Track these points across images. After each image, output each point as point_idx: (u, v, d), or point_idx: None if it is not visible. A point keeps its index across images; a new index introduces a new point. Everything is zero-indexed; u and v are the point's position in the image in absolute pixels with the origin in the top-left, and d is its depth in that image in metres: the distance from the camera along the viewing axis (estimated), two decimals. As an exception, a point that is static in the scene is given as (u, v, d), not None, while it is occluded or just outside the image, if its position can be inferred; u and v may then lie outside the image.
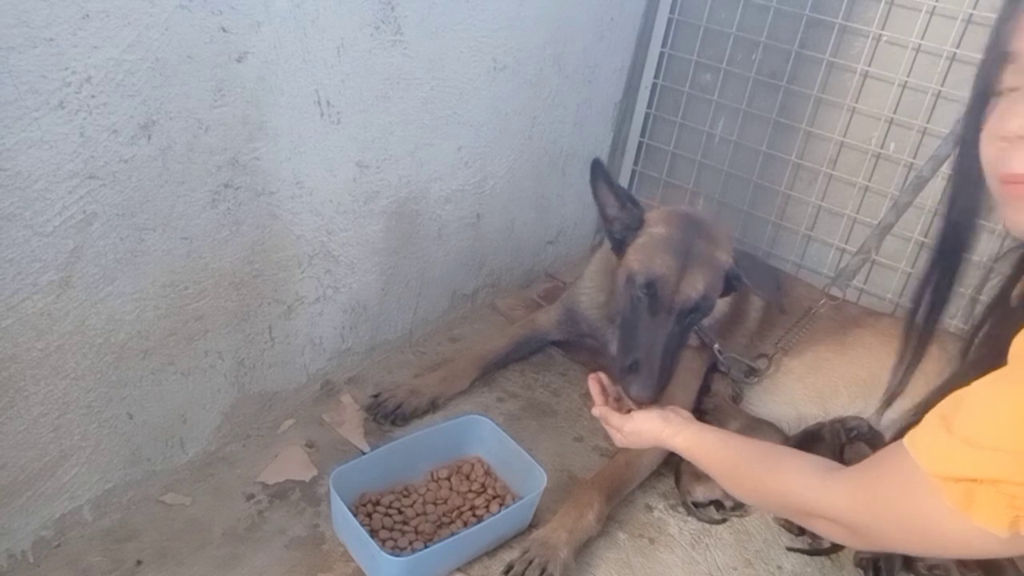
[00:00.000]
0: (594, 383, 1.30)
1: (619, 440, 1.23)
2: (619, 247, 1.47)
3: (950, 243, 0.88)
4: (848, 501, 0.83)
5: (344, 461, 1.26)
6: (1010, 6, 0.71)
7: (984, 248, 1.71)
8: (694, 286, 1.36)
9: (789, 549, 1.37)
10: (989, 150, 0.74)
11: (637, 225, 1.45)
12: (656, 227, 1.43)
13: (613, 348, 1.65)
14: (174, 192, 1.13)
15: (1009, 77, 0.72)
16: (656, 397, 1.28)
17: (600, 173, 1.45)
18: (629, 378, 1.30)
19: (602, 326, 1.66)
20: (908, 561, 1.30)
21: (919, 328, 0.98)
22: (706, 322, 1.57)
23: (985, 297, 0.98)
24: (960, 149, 0.81)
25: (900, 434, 0.81)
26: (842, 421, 1.52)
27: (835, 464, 0.91)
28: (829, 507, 0.86)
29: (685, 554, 1.35)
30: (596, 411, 1.27)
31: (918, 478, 0.72)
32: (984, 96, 0.75)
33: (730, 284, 1.43)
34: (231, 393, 1.39)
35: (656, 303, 1.36)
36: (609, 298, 1.63)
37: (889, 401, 1.12)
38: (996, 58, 0.72)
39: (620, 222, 1.46)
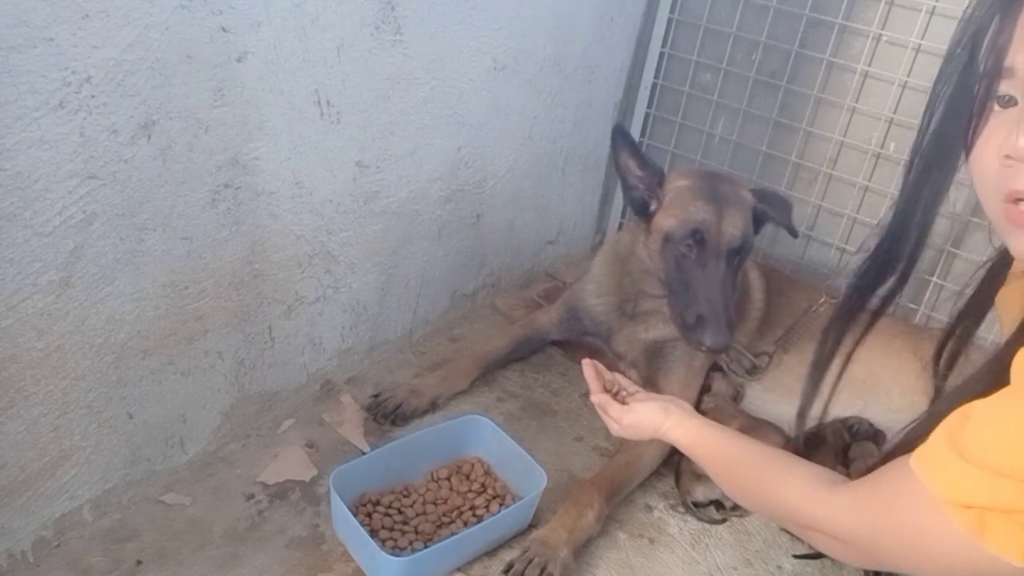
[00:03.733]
0: (589, 368, 1.25)
1: (616, 431, 1.19)
2: (643, 210, 1.50)
3: (895, 251, 0.88)
4: (851, 518, 0.81)
5: (344, 461, 1.26)
6: (1001, 21, 0.70)
7: (979, 246, 1.71)
8: (735, 224, 1.41)
9: (796, 556, 1.35)
10: (988, 167, 0.72)
11: (659, 182, 1.49)
12: (679, 181, 1.48)
13: (618, 341, 1.66)
14: (174, 192, 1.13)
15: (1005, 91, 0.71)
16: (731, 342, 1.30)
17: (622, 139, 1.49)
18: (698, 331, 1.33)
19: (609, 319, 1.66)
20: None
21: (843, 322, 0.97)
22: None
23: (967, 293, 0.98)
24: (926, 160, 0.80)
25: (904, 445, 0.80)
26: (843, 421, 1.52)
27: (838, 476, 0.89)
28: (830, 523, 0.84)
29: (685, 554, 1.35)
30: (595, 399, 1.22)
31: (926, 501, 0.70)
32: (972, 110, 0.73)
33: (758, 221, 1.49)
34: (231, 393, 1.39)
35: (704, 250, 1.40)
36: (618, 289, 1.63)
37: (802, 416, 1.10)
38: (991, 73, 0.71)
39: (644, 182, 1.50)
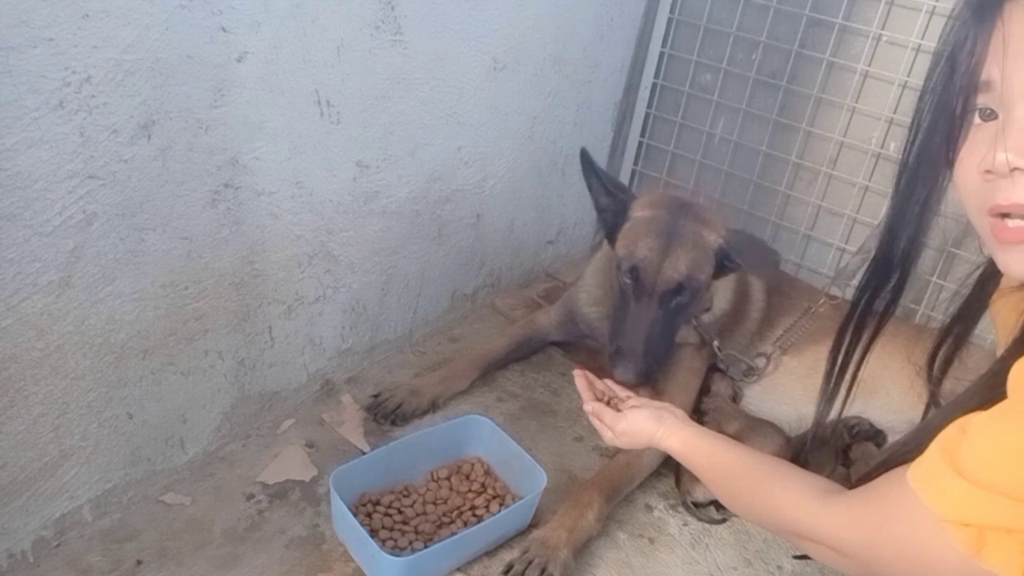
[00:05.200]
0: (580, 378, 1.26)
1: (609, 439, 1.19)
2: (611, 236, 1.49)
3: (892, 273, 0.88)
4: (846, 530, 0.80)
5: (344, 461, 1.26)
6: (975, 35, 0.70)
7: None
8: (675, 267, 1.37)
9: (796, 557, 1.35)
10: (970, 181, 0.72)
11: (623, 210, 1.46)
12: (641, 211, 1.45)
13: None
14: (174, 192, 1.13)
15: (983, 104, 0.71)
16: (642, 380, 1.27)
17: (587, 162, 1.47)
18: (614, 362, 1.30)
19: (601, 326, 1.67)
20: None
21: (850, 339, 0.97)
22: (706, 319, 1.57)
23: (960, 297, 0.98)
24: (912, 173, 0.80)
25: (899, 455, 0.80)
26: (844, 421, 1.52)
27: (834, 486, 0.89)
28: (827, 533, 0.83)
29: (685, 554, 1.35)
30: (587, 407, 1.23)
31: (924, 516, 0.70)
32: (952, 125, 0.73)
33: (723, 264, 1.43)
34: (231, 393, 1.39)
35: (639, 287, 1.38)
36: (607, 298, 1.63)
37: (818, 424, 1.09)
38: (967, 88, 0.71)
39: (609, 210, 1.49)
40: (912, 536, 0.72)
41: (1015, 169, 0.67)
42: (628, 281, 1.39)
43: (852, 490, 0.84)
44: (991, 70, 0.69)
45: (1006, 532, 0.65)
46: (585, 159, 1.47)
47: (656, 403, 1.19)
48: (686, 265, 1.37)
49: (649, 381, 1.29)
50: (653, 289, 1.37)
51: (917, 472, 0.72)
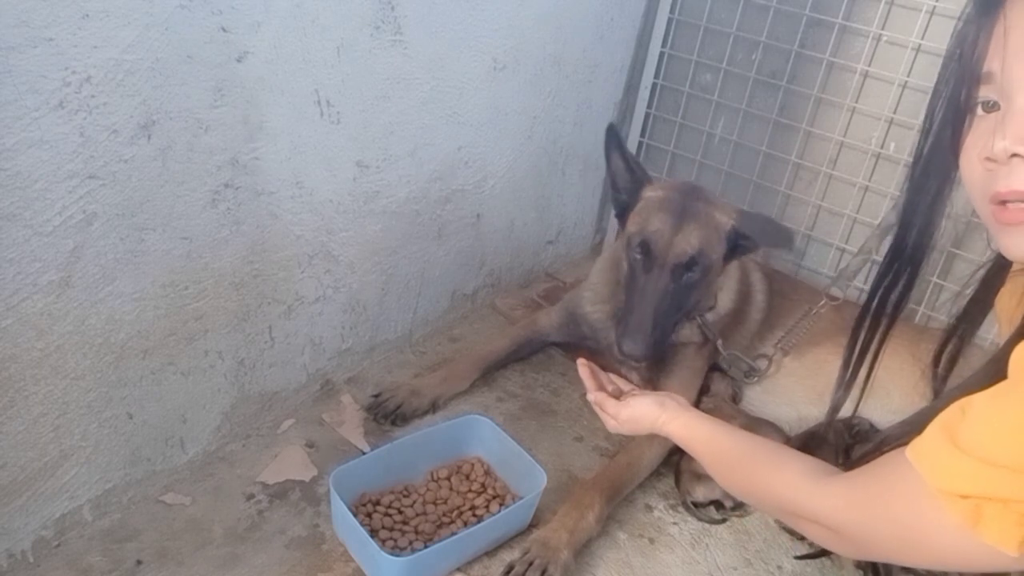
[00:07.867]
0: (584, 368, 1.28)
1: (613, 427, 1.21)
2: (622, 215, 1.50)
3: (905, 255, 0.90)
4: (843, 507, 0.81)
5: (344, 461, 1.26)
6: (978, 29, 0.72)
7: (980, 246, 1.71)
8: (688, 240, 1.38)
9: (797, 558, 1.35)
10: (974, 171, 0.74)
11: (638, 188, 1.48)
12: (654, 192, 1.48)
13: (614, 349, 1.65)
14: (174, 192, 1.13)
15: (986, 96, 0.73)
16: (649, 354, 1.27)
17: (614, 139, 1.48)
18: (620, 334, 1.31)
19: (604, 327, 1.66)
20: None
21: (868, 332, 0.98)
22: (710, 318, 1.57)
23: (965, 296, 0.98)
24: (925, 166, 0.83)
25: (897, 438, 0.80)
26: (845, 421, 1.52)
27: (832, 468, 0.89)
28: (822, 511, 0.84)
29: (685, 554, 1.35)
30: (591, 396, 1.24)
31: (921, 491, 0.70)
32: (958, 116, 0.75)
33: (737, 245, 1.45)
34: (231, 393, 1.39)
35: (650, 260, 1.39)
36: (613, 297, 1.63)
37: (835, 411, 1.10)
38: (969, 79, 0.73)
39: (626, 190, 1.50)
40: (909, 512, 0.73)
41: (1014, 155, 0.69)
42: (638, 256, 1.39)
43: (850, 471, 0.84)
44: (992, 62, 0.72)
45: (1003, 503, 0.65)
46: (611, 133, 1.48)
47: (657, 392, 1.21)
48: (698, 239, 1.39)
49: (654, 358, 1.29)
50: (664, 262, 1.38)
51: (916, 448, 0.73)
